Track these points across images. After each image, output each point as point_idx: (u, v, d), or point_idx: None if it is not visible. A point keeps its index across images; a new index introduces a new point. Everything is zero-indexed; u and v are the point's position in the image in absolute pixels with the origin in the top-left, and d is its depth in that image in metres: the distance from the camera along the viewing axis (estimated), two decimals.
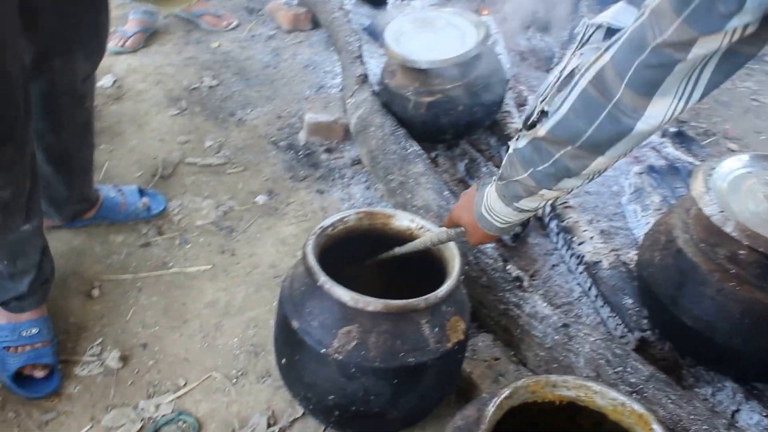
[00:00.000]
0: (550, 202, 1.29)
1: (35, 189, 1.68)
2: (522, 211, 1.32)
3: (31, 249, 1.75)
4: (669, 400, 1.55)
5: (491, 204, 1.36)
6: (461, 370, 1.70)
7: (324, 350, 1.44)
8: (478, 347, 1.86)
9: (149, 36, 3.39)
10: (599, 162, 1.13)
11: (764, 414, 1.67)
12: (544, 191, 1.23)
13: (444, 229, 1.58)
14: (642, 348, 1.79)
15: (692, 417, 1.52)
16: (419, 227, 1.66)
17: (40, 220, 1.75)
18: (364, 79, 2.69)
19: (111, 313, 2.00)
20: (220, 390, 1.81)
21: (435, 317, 1.48)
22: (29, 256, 1.75)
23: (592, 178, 1.19)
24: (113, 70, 3.12)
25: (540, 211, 2.26)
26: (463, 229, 1.50)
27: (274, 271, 2.17)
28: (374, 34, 3.27)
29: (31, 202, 1.67)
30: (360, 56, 2.85)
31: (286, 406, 1.76)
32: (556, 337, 1.74)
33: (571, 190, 1.23)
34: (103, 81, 3.01)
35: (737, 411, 1.70)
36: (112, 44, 3.24)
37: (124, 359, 1.86)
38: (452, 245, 1.59)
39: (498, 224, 1.39)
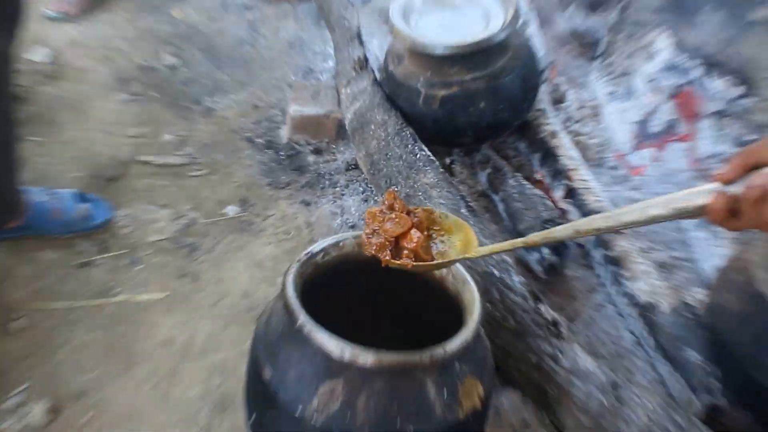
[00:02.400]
0: None
1: None
2: None
3: None
4: None
5: None
6: None
7: (300, 411, 1.40)
8: (503, 408, 1.85)
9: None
10: None
11: None
12: None
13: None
14: (713, 418, 1.77)
15: None
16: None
17: None
18: (363, 63, 2.68)
19: (38, 352, 1.96)
20: None
21: (444, 377, 1.43)
22: None
23: None
24: (49, 42, 3.09)
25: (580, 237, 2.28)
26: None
27: (248, 302, 2.16)
28: (377, 7, 3.27)
29: None
30: (359, 35, 2.83)
31: None
32: (603, 401, 1.72)
33: None
34: (37, 55, 2.98)
35: None
36: (51, 7, 3.21)
37: (53, 412, 1.83)
38: (471, 284, 1.55)
39: None
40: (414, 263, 1.50)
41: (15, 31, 1.86)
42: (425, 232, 1.55)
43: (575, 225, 1.32)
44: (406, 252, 1.50)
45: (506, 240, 1.52)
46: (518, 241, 1.42)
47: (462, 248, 1.53)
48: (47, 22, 3.18)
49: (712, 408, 1.79)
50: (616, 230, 1.41)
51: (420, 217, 1.55)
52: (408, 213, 1.54)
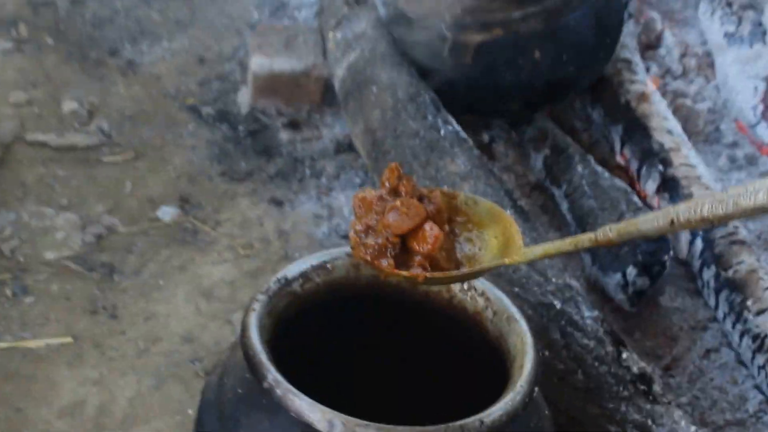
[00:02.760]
0: None
1: None
2: None
3: None
4: None
5: None
6: None
7: None
8: None
9: None
10: None
11: None
12: None
13: None
14: None
15: None
16: (468, 288, 1.64)
17: None
18: None
19: None
20: None
21: None
22: None
23: None
24: None
25: (685, 249, 2.31)
26: None
27: (190, 349, 2.18)
28: None
29: None
30: None
31: None
32: None
33: None
34: None
35: None
36: None
37: None
38: (521, 322, 1.56)
39: None
40: (430, 274, 1.44)
41: None
42: (446, 227, 1.48)
43: (670, 212, 1.30)
44: (418, 258, 1.42)
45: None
46: (584, 239, 1.41)
47: (500, 249, 1.49)
48: None
49: None
50: (735, 219, 1.39)
51: (437, 204, 1.47)
52: (420, 198, 1.44)
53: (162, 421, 2.04)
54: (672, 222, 1.28)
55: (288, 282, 1.58)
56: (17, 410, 2.03)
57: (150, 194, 2.52)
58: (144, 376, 2.12)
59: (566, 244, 1.45)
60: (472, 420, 1.38)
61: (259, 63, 2.72)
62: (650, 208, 2.41)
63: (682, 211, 1.27)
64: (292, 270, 1.60)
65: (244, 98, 2.79)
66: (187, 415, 1.95)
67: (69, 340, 2.17)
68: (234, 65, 2.90)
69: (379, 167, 2.41)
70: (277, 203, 2.53)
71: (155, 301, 2.28)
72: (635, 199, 2.38)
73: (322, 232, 2.44)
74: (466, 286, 1.63)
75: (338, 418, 1.36)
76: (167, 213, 2.48)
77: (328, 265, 1.63)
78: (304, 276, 1.60)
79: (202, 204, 2.52)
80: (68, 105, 2.73)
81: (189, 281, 2.33)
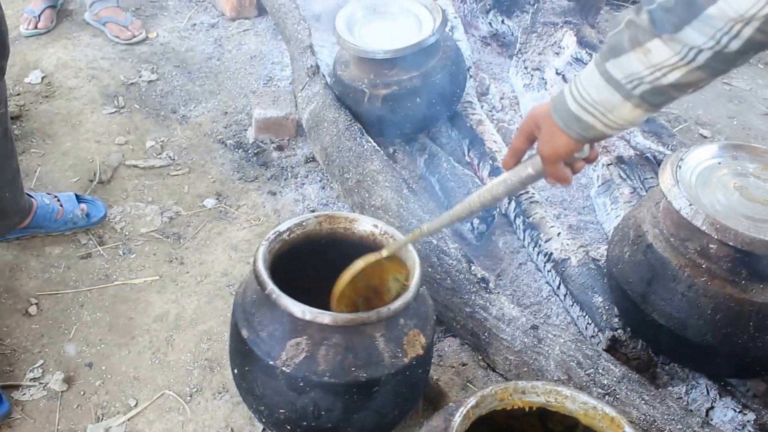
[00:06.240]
0: (653, 75, 1.08)
1: None
2: (609, 80, 1.12)
3: None
4: (642, 401, 1.64)
5: (579, 75, 1.19)
6: (427, 380, 1.74)
7: (272, 362, 1.48)
8: (445, 352, 1.92)
9: (84, 25, 3.38)
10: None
11: (738, 410, 1.76)
12: (654, 41, 1.05)
13: (512, 171, 1.37)
14: (614, 347, 1.87)
15: (666, 417, 1.61)
16: (383, 233, 1.67)
17: None
18: (315, 70, 2.71)
19: (51, 332, 2.01)
20: (175, 409, 1.84)
21: (390, 331, 1.51)
22: None
23: (721, 46, 0.99)
24: (41, 64, 3.10)
25: (505, 207, 2.34)
26: (537, 159, 1.31)
27: (227, 279, 2.20)
28: (326, 21, 3.29)
29: None
30: (310, 46, 2.87)
31: (245, 423, 1.80)
32: (525, 340, 1.81)
33: (692, 58, 1.02)
34: (31, 77, 2.99)
35: (711, 408, 1.78)
36: (22, 28, 3.25)
37: (68, 381, 1.88)
38: (413, 251, 1.60)
39: (573, 103, 1.19)
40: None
41: (3, 61, 1.89)
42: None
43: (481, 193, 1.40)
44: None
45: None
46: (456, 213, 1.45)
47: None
48: (26, 40, 3.22)
49: (613, 340, 1.88)
50: (487, 205, 1.42)
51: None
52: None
53: (213, 321, 2.07)
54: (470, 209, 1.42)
55: (280, 233, 1.62)
56: (129, 318, 2.07)
57: (198, 192, 2.53)
58: (201, 296, 2.15)
59: (444, 219, 1.48)
60: (384, 308, 1.46)
61: (258, 113, 2.71)
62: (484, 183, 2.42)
63: (483, 192, 1.39)
64: (282, 227, 1.64)
65: (250, 134, 2.77)
66: (227, 317, 1.95)
67: (156, 278, 2.20)
68: (244, 115, 2.88)
69: (331, 169, 2.44)
70: (273, 194, 2.53)
71: (205, 254, 2.29)
72: (477, 180, 2.38)
73: (299, 209, 2.45)
74: (383, 231, 1.67)
75: (308, 309, 1.43)
76: (209, 202, 2.48)
77: (303, 223, 1.67)
78: (290, 230, 1.64)
79: (229, 196, 2.52)
80: (149, 143, 2.72)
81: (224, 242, 2.34)
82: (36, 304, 2.08)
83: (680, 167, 1.76)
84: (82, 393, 1.86)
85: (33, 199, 2.22)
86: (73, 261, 2.22)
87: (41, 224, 2.24)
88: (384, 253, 1.53)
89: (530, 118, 1.31)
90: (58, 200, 2.28)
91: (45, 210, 2.23)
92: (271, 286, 1.47)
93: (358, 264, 1.52)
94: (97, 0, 3.28)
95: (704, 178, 1.76)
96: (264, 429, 1.78)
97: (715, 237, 1.62)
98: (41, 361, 1.92)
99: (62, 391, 1.85)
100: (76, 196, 2.34)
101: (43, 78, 3.01)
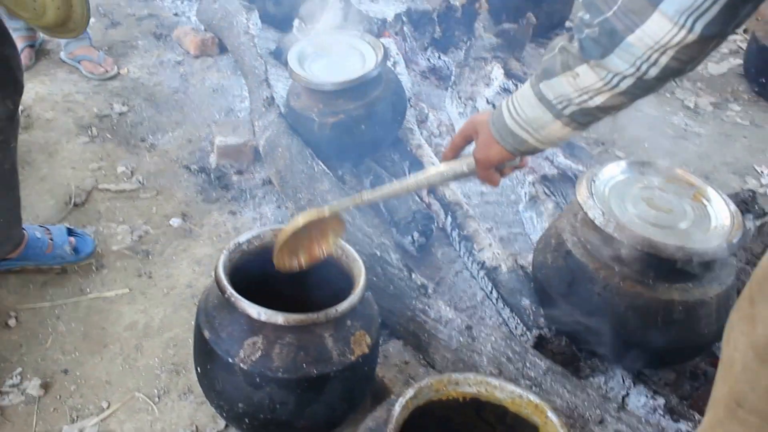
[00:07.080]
0: (580, 97, 1.10)
1: None
2: (541, 99, 1.15)
3: None
4: (565, 390, 1.69)
5: (516, 93, 1.22)
6: (374, 377, 1.76)
7: (231, 360, 1.50)
8: (390, 353, 1.93)
9: (60, 63, 3.35)
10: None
11: (650, 396, 1.81)
12: (582, 67, 1.07)
13: (449, 164, 1.42)
14: (540, 344, 1.90)
15: (586, 404, 1.66)
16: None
17: None
18: (270, 101, 2.72)
19: (29, 342, 1.98)
20: (144, 410, 1.83)
21: (338, 331, 1.54)
22: None
23: (641, 73, 1.01)
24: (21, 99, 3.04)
25: (442, 221, 2.37)
26: (471, 160, 1.36)
27: (191, 291, 2.20)
28: (280, 57, 3.32)
29: None
30: (266, 79, 2.88)
31: (208, 420, 1.80)
32: (461, 339, 1.84)
33: (615, 84, 1.05)
34: None
35: (627, 395, 1.83)
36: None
37: (45, 386, 1.86)
38: (359, 261, 1.63)
39: (509, 118, 1.22)
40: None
41: (18, 99, 1.88)
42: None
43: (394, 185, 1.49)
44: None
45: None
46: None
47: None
48: None
49: (539, 338, 1.91)
50: (422, 188, 1.51)
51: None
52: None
53: (179, 328, 2.06)
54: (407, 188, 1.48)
55: (239, 245, 1.64)
56: (102, 328, 2.05)
57: (166, 212, 2.51)
58: (168, 306, 2.14)
59: (383, 191, 1.52)
60: (332, 309, 1.48)
61: (220, 140, 2.71)
62: (424, 202, 2.45)
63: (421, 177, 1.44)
64: (242, 238, 1.65)
65: (213, 160, 2.76)
66: (191, 325, 1.87)
67: (127, 291, 2.18)
68: (207, 143, 2.87)
69: (285, 191, 2.44)
70: (233, 213, 2.53)
71: (171, 268, 2.28)
72: (417, 199, 2.41)
73: (257, 227, 2.43)
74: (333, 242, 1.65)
75: (263, 310, 1.45)
76: (175, 222, 2.47)
77: (261, 236, 1.68)
78: (248, 241, 1.66)
79: (194, 216, 2.51)
80: (120, 168, 2.70)
81: (189, 257, 2.33)
82: (15, 317, 2.05)
83: (594, 182, 1.81)
84: (58, 397, 1.84)
85: (25, 232, 2.14)
86: (50, 277, 2.19)
87: (30, 257, 2.16)
88: (326, 212, 1.52)
89: (470, 123, 1.36)
90: (50, 233, 2.20)
91: (35, 243, 2.15)
92: (230, 290, 1.49)
93: (301, 219, 1.52)
94: (73, 40, 3.25)
95: (616, 191, 1.81)
96: (227, 425, 1.78)
97: (626, 242, 1.67)
98: (20, 369, 1.90)
99: (39, 396, 1.83)
100: (68, 229, 2.25)
101: (22, 111, 2.95)
